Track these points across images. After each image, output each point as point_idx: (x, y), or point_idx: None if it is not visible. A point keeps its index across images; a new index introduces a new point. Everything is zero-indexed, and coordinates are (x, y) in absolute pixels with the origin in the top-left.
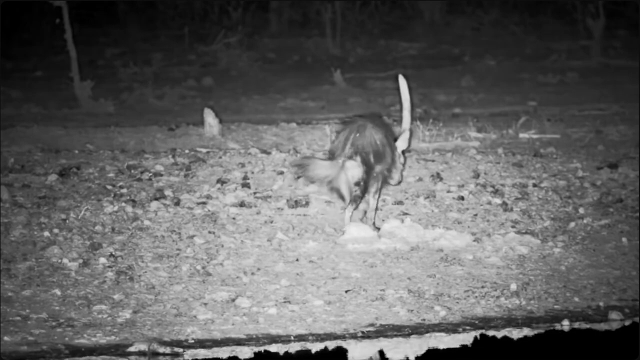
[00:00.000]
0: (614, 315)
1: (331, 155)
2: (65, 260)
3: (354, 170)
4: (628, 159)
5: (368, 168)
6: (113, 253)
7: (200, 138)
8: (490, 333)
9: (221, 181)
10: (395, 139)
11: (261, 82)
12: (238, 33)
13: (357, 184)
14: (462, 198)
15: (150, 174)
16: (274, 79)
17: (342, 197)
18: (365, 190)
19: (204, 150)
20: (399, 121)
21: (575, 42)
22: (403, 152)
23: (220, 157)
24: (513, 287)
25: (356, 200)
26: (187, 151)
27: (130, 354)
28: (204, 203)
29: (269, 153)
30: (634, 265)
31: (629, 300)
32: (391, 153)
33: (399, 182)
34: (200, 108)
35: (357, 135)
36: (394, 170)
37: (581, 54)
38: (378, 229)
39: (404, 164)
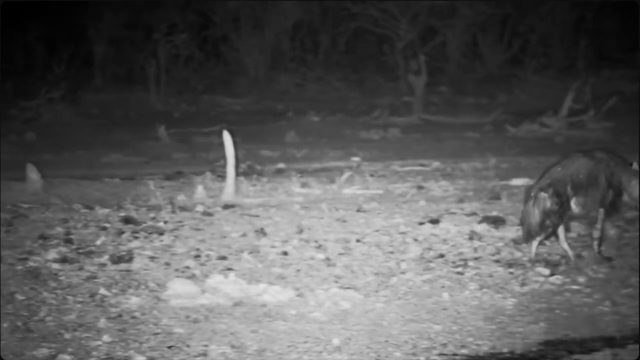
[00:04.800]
0: None
1: (529, 190)
2: None
3: (544, 201)
4: (449, 214)
5: (561, 199)
6: None
7: (23, 193)
8: None
9: (43, 237)
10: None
11: (85, 137)
12: (61, 88)
13: (547, 214)
14: (285, 253)
15: None
16: (98, 134)
17: (529, 231)
18: (558, 221)
19: (26, 206)
20: (224, 176)
21: (398, 98)
22: None
23: (43, 213)
24: (335, 342)
25: (546, 230)
26: (8, 206)
27: None
28: (25, 259)
29: (92, 208)
30: (454, 319)
31: (449, 354)
32: (608, 186)
33: None
34: (23, 163)
35: (559, 168)
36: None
37: (403, 110)
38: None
39: None
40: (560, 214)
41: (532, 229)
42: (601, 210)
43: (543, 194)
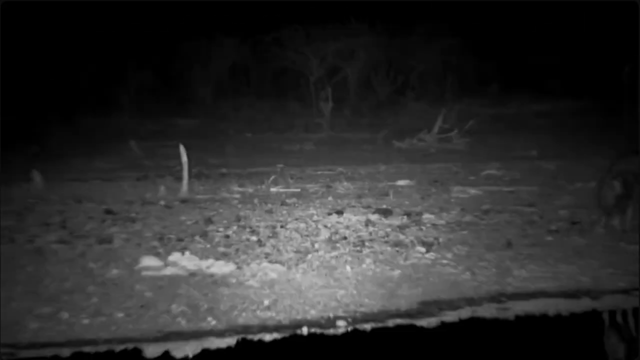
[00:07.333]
0: (340, 322)
1: (601, 180)
2: None
3: (615, 188)
4: (350, 207)
5: (628, 186)
6: None
7: (29, 192)
8: (249, 337)
9: (45, 224)
10: None
11: (78, 149)
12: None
13: (617, 198)
14: (227, 236)
15: None
16: (88, 148)
17: (606, 212)
18: (625, 205)
19: (32, 201)
20: (180, 178)
21: (311, 119)
22: None
23: (44, 206)
24: (266, 302)
25: (617, 212)
26: (18, 201)
27: None
28: (32, 240)
29: (81, 202)
30: (355, 286)
31: (351, 312)
32: None
33: None
34: (28, 170)
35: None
36: None
37: (315, 128)
38: None
39: None
40: (627, 199)
41: (608, 211)
42: None
43: (614, 182)
